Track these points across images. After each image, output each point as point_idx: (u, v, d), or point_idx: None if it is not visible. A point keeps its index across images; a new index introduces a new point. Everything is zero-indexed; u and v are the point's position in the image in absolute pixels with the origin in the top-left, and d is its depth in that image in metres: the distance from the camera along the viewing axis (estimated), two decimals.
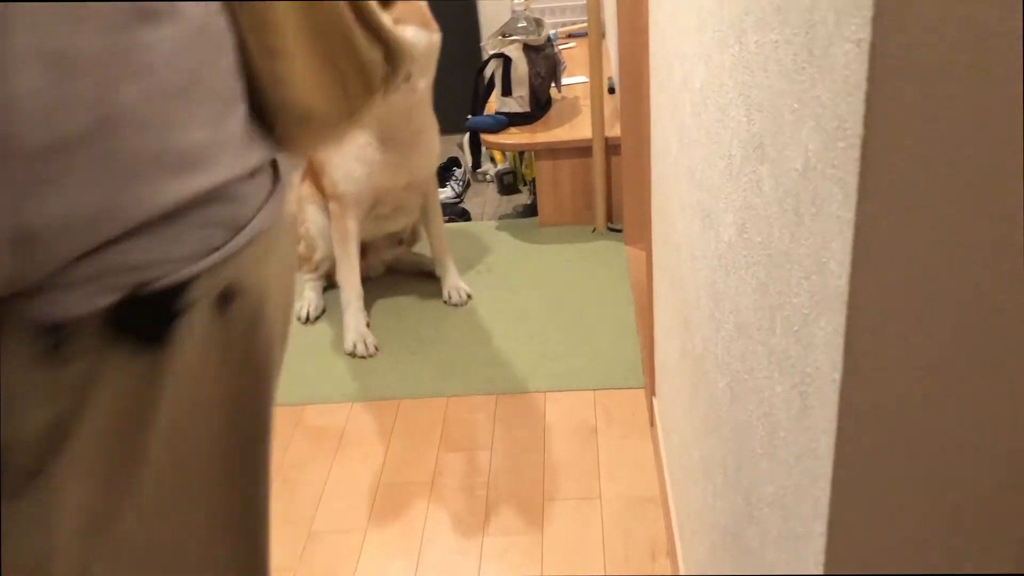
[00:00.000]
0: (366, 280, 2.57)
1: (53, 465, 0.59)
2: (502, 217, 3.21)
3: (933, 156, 0.42)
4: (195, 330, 0.61)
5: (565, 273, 2.64)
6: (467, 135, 3.26)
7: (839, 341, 0.49)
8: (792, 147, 0.57)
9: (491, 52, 2.84)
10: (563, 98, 3.12)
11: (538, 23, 2.90)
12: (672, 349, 1.49)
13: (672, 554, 1.54)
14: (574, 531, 1.70)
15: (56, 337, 0.56)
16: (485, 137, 2.91)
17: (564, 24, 3.91)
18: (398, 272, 2.74)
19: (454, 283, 2.55)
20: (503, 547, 1.68)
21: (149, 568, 0.65)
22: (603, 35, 3.66)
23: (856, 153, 0.44)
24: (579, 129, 2.85)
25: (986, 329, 0.45)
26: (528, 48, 2.82)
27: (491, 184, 3.58)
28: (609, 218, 2.90)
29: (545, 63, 2.89)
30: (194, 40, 0.59)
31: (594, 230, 2.89)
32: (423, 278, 2.68)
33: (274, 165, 0.69)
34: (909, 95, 0.41)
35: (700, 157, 1.03)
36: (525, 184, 3.49)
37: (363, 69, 0.71)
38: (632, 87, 2.40)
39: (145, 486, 0.62)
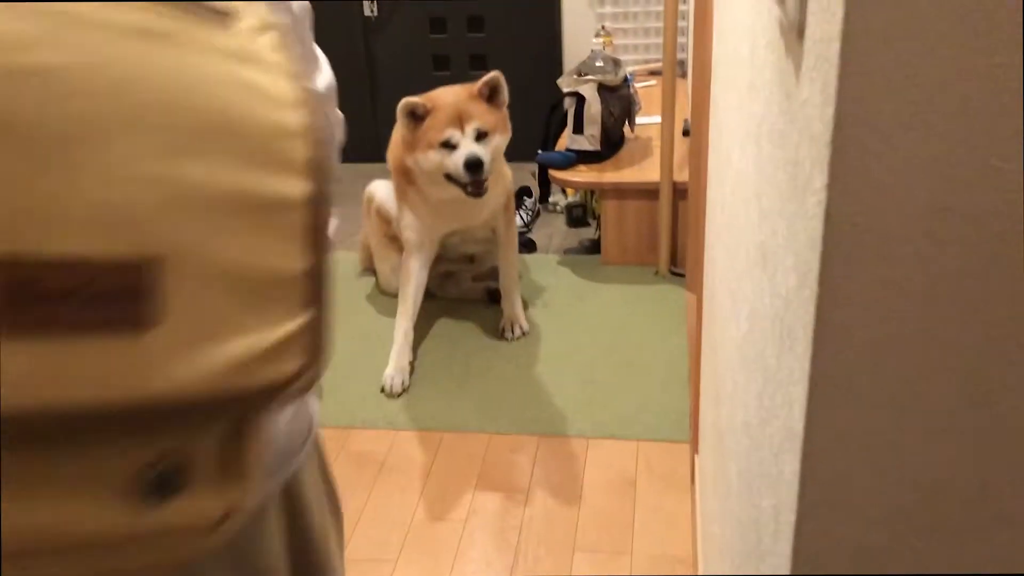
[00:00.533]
0: (431, 299, 2.63)
1: None
2: (567, 250, 3.22)
3: (887, 320, 0.42)
4: None
5: (622, 315, 2.63)
6: (537, 168, 3.29)
7: (795, 484, 0.48)
8: (781, 272, 0.57)
9: (566, 90, 2.86)
10: (637, 138, 3.12)
11: (615, 63, 2.90)
12: (708, 412, 1.47)
13: None
14: None
15: None
16: (553, 173, 2.93)
17: (647, 61, 3.91)
18: (463, 299, 2.78)
19: (514, 316, 2.57)
20: None
21: None
22: (683, 75, 3.64)
23: (812, 307, 0.44)
24: (648, 171, 2.84)
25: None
26: (603, 88, 2.83)
27: (560, 216, 3.59)
28: (673, 262, 2.87)
29: (619, 103, 2.90)
30: None
31: (656, 273, 2.87)
32: (485, 306, 2.71)
33: None
34: (861, 260, 0.41)
35: (733, 237, 1.02)
36: (594, 218, 3.49)
37: None
38: (699, 133, 2.38)
39: None
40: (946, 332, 0.41)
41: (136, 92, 0.43)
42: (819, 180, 0.43)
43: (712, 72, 1.60)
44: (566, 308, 2.69)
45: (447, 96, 2.28)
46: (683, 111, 3.24)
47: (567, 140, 2.92)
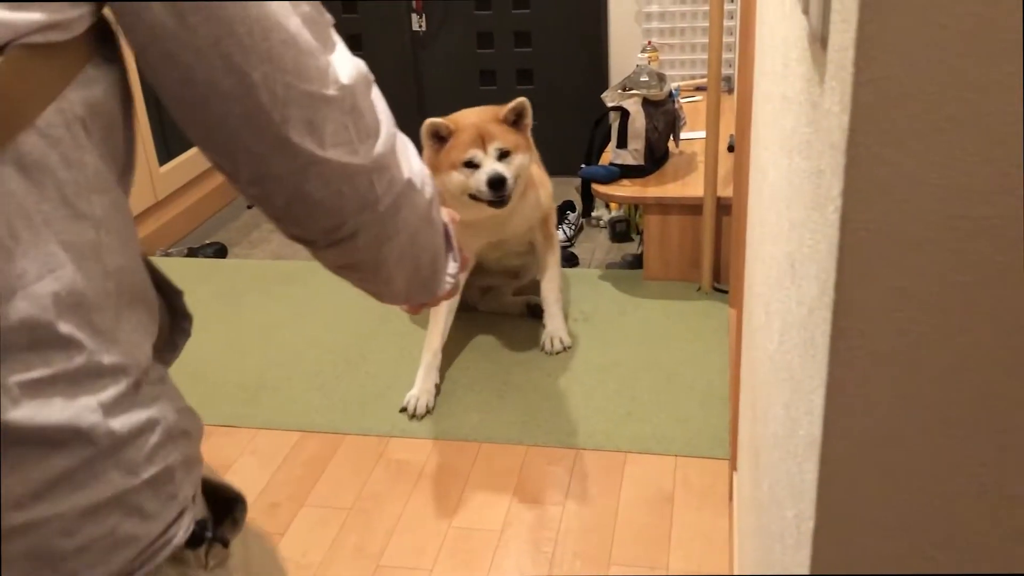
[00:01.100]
0: (472, 312, 2.64)
1: None
2: (610, 265, 3.22)
3: (903, 329, 0.42)
4: None
5: (664, 330, 2.62)
6: (580, 182, 3.30)
7: (812, 492, 0.48)
8: (806, 281, 0.57)
9: (610, 104, 2.87)
10: (681, 153, 3.11)
11: (660, 78, 2.90)
12: (746, 429, 1.46)
13: None
14: None
15: None
16: (596, 187, 2.94)
17: (693, 77, 3.90)
18: (503, 313, 2.79)
19: (555, 330, 2.57)
20: None
21: None
22: (731, 90, 3.63)
23: (829, 314, 0.44)
24: (692, 186, 2.83)
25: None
26: (647, 103, 2.83)
27: (603, 230, 3.59)
28: (716, 278, 2.85)
29: (664, 118, 2.90)
30: None
31: (699, 289, 2.85)
32: (525, 320, 2.72)
33: None
34: (876, 267, 0.41)
35: (768, 251, 1.01)
36: (637, 233, 3.49)
37: None
38: (742, 148, 2.37)
39: None
40: (961, 339, 0.41)
41: None
42: (836, 188, 0.43)
43: (754, 88, 1.60)
44: (607, 323, 2.69)
45: (470, 117, 2.30)
46: (729, 127, 3.23)
47: (611, 154, 2.93)
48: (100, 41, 0.55)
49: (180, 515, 0.61)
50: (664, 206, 2.83)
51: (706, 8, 3.72)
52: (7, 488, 0.50)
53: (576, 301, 2.83)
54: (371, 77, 0.65)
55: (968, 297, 0.40)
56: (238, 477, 2.06)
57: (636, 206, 3.41)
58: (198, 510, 0.64)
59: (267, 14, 0.55)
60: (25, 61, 0.49)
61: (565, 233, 3.54)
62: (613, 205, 3.61)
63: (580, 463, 2.07)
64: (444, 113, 2.32)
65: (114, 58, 0.57)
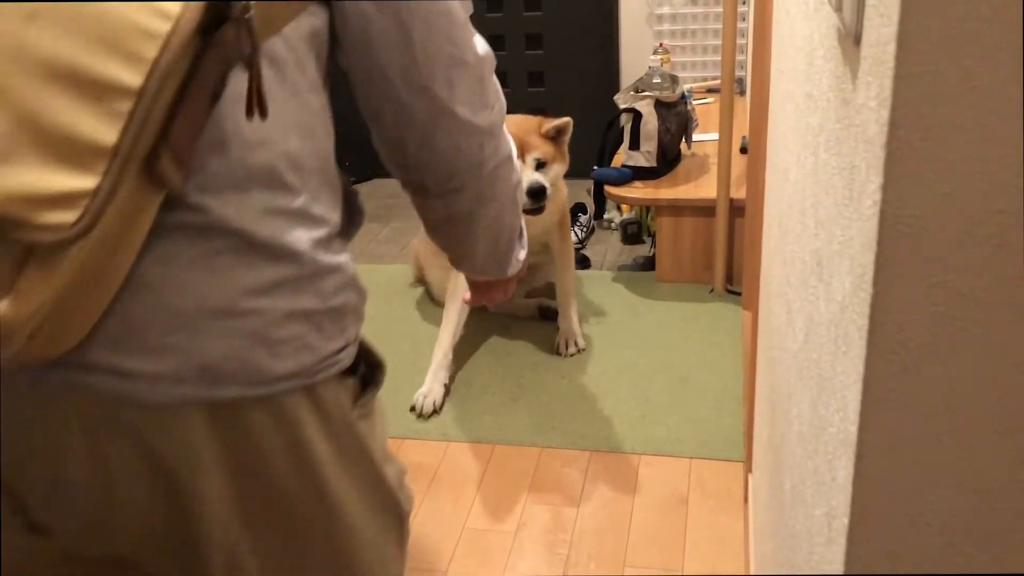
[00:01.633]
0: (485, 313, 2.64)
1: None
2: (621, 267, 3.21)
3: (942, 324, 0.42)
4: None
5: (677, 332, 2.62)
6: (592, 184, 3.30)
7: (848, 489, 0.48)
8: (836, 278, 0.57)
9: (623, 106, 2.87)
10: (693, 155, 3.10)
11: (673, 80, 2.90)
12: (763, 430, 1.46)
13: None
14: None
15: None
16: (609, 189, 2.94)
17: (705, 79, 3.90)
18: (516, 315, 2.79)
19: (570, 332, 2.57)
20: None
21: None
22: (743, 92, 3.62)
23: (867, 309, 0.44)
24: (704, 188, 2.83)
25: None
26: (660, 104, 2.83)
27: (615, 232, 3.59)
28: (729, 280, 2.85)
29: (676, 120, 2.89)
30: None
31: (712, 291, 2.84)
32: (538, 322, 2.72)
33: None
34: (915, 262, 0.41)
35: (789, 250, 1.01)
36: (649, 235, 3.48)
37: None
38: (756, 150, 2.37)
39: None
40: (1000, 335, 0.41)
41: None
42: (874, 182, 0.43)
43: (771, 88, 1.59)
44: (620, 325, 2.69)
45: (508, 126, 2.31)
46: (741, 128, 3.22)
47: (623, 156, 2.93)
48: None
49: (345, 347, 0.78)
50: (677, 208, 2.82)
51: (716, 10, 3.72)
52: (243, 279, 0.69)
53: (589, 303, 2.83)
54: (495, 60, 0.85)
55: (1009, 292, 0.40)
56: None
57: (648, 208, 3.41)
58: (356, 352, 0.81)
59: None
60: None
61: (577, 235, 3.53)
62: (625, 207, 3.61)
63: (594, 465, 2.07)
64: None
65: (327, 5, 0.73)
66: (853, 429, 0.47)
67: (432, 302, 2.87)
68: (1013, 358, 0.41)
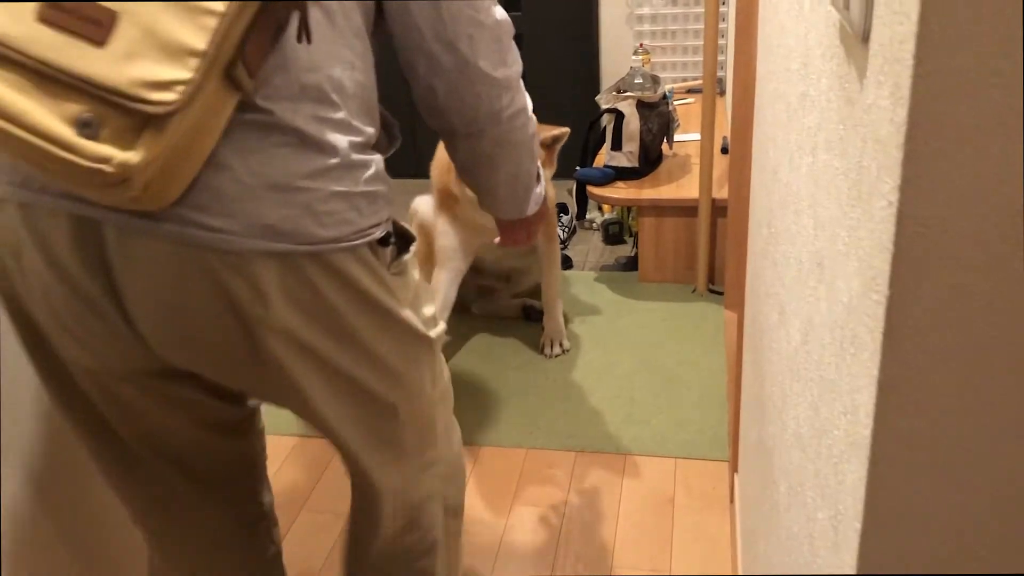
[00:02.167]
0: (469, 315, 2.62)
1: None
2: (604, 267, 3.22)
3: (958, 325, 0.41)
4: None
5: (660, 333, 2.62)
6: (575, 185, 3.29)
7: (861, 493, 0.47)
8: (842, 278, 0.56)
9: (604, 107, 2.87)
10: (675, 155, 3.11)
11: (655, 80, 2.91)
12: (751, 430, 1.46)
13: None
14: None
15: None
16: (591, 189, 2.93)
17: (684, 79, 3.91)
18: (500, 316, 2.78)
19: (555, 333, 2.56)
20: None
21: None
22: (722, 93, 3.63)
23: (882, 310, 0.43)
24: (686, 188, 2.84)
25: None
26: (642, 105, 2.83)
27: (597, 233, 3.59)
28: (711, 280, 2.86)
29: (658, 120, 2.90)
30: None
31: (694, 291, 2.85)
32: (523, 323, 2.71)
33: None
34: (933, 263, 0.40)
35: (782, 251, 1.01)
36: (631, 235, 3.49)
37: None
38: (739, 151, 2.37)
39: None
40: (1019, 337, 0.40)
41: None
42: (888, 183, 0.43)
43: (756, 89, 1.59)
44: (603, 325, 2.69)
45: None
46: (722, 129, 3.23)
47: (605, 157, 2.93)
48: None
49: (377, 224, 0.98)
50: (659, 208, 2.83)
51: (696, 11, 3.73)
52: (296, 165, 0.88)
53: (573, 304, 2.82)
54: (513, 29, 1.05)
55: None
56: None
57: (629, 208, 3.41)
58: (389, 228, 1.02)
59: None
60: None
61: (559, 236, 3.53)
62: (605, 207, 3.61)
63: (580, 465, 2.07)
64: None
65: None
66: (865, 432, 0.47)
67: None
68: None
